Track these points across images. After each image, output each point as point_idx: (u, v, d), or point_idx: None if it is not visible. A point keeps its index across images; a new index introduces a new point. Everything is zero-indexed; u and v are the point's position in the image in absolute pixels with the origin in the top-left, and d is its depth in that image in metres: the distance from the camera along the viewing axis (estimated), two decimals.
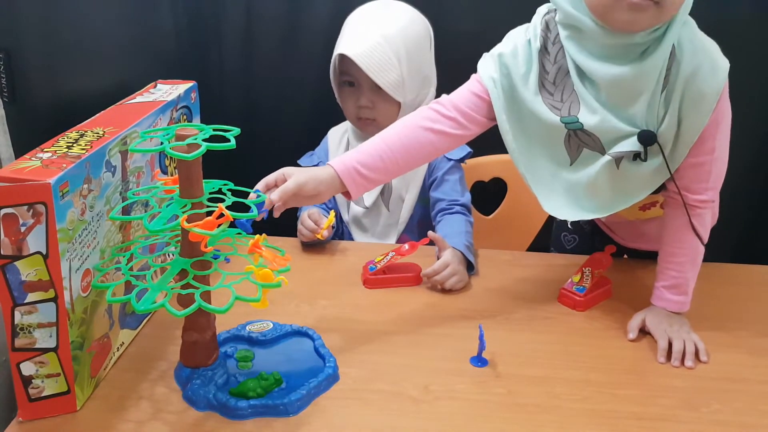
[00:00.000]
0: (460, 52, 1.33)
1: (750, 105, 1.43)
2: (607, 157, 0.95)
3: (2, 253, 0.70)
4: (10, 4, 1.41)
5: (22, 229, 0.70)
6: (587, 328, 1.02)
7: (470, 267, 1.14)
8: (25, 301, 0.73)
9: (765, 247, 1.50)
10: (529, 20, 1.25)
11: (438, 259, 1.11)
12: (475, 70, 1.28)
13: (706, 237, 1.01)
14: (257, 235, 0.81)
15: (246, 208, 0.82)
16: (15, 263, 0.71)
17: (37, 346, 0.75)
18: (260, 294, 0.76)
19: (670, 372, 0.92)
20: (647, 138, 0.92)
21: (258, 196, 0.86)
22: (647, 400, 0.86)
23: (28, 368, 0.76)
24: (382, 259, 1.12)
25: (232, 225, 0.81)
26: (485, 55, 1.05)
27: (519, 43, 1.00)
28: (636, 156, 0.94)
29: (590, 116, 0.94)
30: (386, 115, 1.25)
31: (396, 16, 1.24)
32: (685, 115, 0.92)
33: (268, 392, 0.82)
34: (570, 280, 1.07)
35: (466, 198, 1.30)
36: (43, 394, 0.78)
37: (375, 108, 1.25)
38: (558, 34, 0.96)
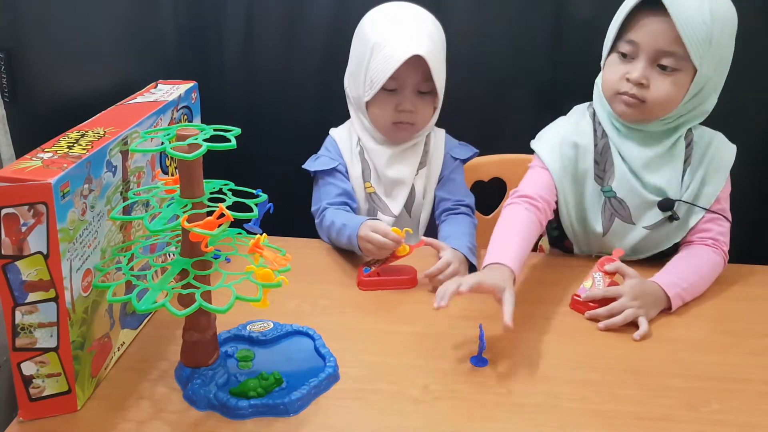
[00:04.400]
0: (460, 52, 1.34)
1: (750, 105, 1.43)
2: (643, 231, 1.14)
3: (3, 252, 0.70)
4: (11, 5, 1.41)
5: (23, 228, 0.70)
6: (587, 327, 1.02)
7: (472, 268, 1.14)
8: (26, 301, 0.73)
9: (765, 247, 1.50)
10: (527, 22, 1.27)
11: (439, 259, 1.11)
12: (474, 70, 1.28)
13: (714, 275, 1.13)
14: (258, 235, 0.81)
15: (246, 208, 0.82)
16: (16, 263, 0.71)
17: (37, 345, 0.76)
18: (261, 294, 0.76)
19: (670, 372, 0.92)
20: (667, 206, 1.12)
21: (259, 195, 0.86)
22: (647, 399, 0.86)
23: (28, 368, 0.76)
24: (377, 261, 1.12)
25: (233, 225, 0.81)
26: (545, 142, 1.19)
27: (569, 128, 1.18)
28: (671, 218, 1.13)
29: (621, 185, 1.13)
30: (424, 120, 1.24)
31: (424, 15, 1.23)
32: (707, 181, 1.13)
33: (268, 392, 0.83)
34: (582, 286, 1.06)
35: (471, 199, 1.30)
36: (43, 394, 0.78)
37: (416, 111, 1.22)
38: (600, 119, 1.16)
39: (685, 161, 1.12)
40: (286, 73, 1.47)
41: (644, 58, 1.05)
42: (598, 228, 1.16)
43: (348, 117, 1.32)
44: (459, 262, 1.10)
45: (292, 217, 1.26)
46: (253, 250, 0.80)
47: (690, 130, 1.13)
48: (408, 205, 1.28)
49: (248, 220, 0.83)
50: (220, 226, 0.75)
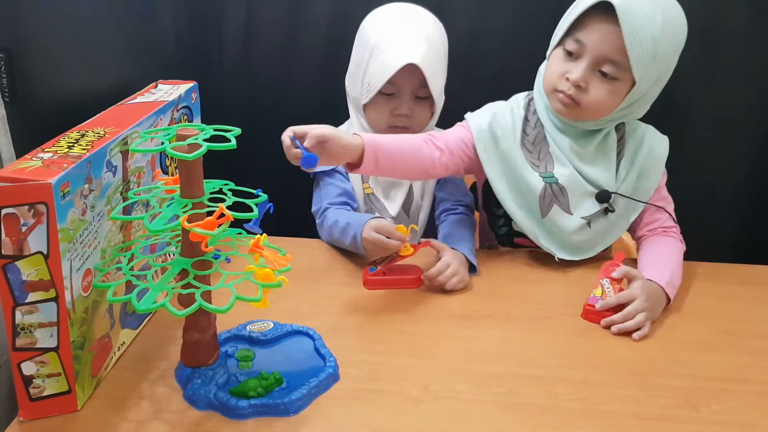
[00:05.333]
0: (460, 52, 1.34)
1: (750, 106, 1.43)
2: (580, 221, 1.14)
3: (3, 252, 0.70)
4: (11, 4, 1.41)
5: (23, 228, 0.70)
6: (587, 327, 1.02)
7: (472, 268, 1.14)
8: (26, 301, 0.73)
9: (765, 247, 1.50)
10: (529, 21, 1.26)
11: (439, 259, 1.11)
12: (473, 70, 1.28)
13: (682, 258, 1.15)
14: (258, 235, 0.81)
15: (246, 208, 0.82)
16: (16, 263, 0.71)
17: (37, 345, 0.76)
18: (261, 294, 0.76)
19: (670, 372, 0.92)
20: (603, 197, 1.14)
21: (259, 195, 0.86)
22: (647, 400, 0.86)
23: (28, 368, 0.76)
24: (383, 260, 1.12)
25: (234, 225, 0.81)
26: (475, 112, 1.20)
27: (505, 109, 1.18)
28: (606, 210, 1.15)
29: (563, 171, 1.13)
30: (421, 124, 1.24)
31: (425, 18, 1.22)
32: (644, 175, 1.16)
33: (268, 392, 0.83)
34: (592, 295, 1.05)
35: (469, 199, 1.30)
36: (43, 394, 0.78)
37: (412, 116, 1.22)
38: (536, 108, 1.17)
39: (618, 154, 1.15)
40: (286, 73, 1.47)
41: (587, 60, 1.05)
42: (536, 212, 1.16)
43: (347, 117, 1.32)
44: (459, 263, 1.10)
45: (292, 217, 1.26)
46: (253, 250, 0.80)
47: (621, 122, 1.15)
48: (406, 206, 1.28)
49: (248, 220, 0.83)
50: (220, 226, 0.75)
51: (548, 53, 1.14)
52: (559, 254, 1.17)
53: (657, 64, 1.03)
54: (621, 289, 1.05)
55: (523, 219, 1.16)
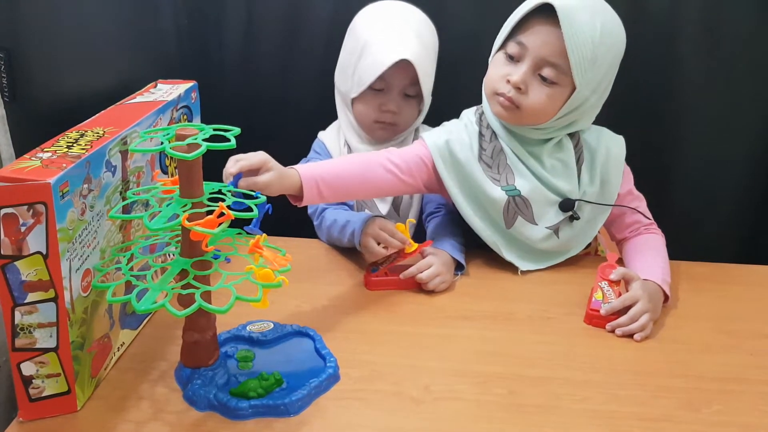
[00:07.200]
0: (460, 53, 1.34)
1: (753, 106, 1.43)
2: (546, 231, 1.14)
3: (2, 253, 0.70)
4: (11, 4, 1.41)
5: (22, 228, 0.70)
6: (588, 328, 1.02)
7: (460, 266, 1.14)
8: (26, 301, 0.73)
9: (765, 247, 1.49)
10: None
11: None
12: (474, 71, 1.28)
13: (666, 253, 1.16)
14: (258, 235, 0.81)
15: (246, 208, 0.82)
16: (15, 263, 0.71)
17: (37, 346, 0.75)
18: (261, 294, 0.76)
19: (672, 372, 0.92)
20: (567, 206, 1.13)
21: (258, 196, 0.86)
22: (648, 400, 0.86)
23: (28, 368, 0.76)
24: (384, 261, 1.11)
25: (233, 226, 0.80)
26: (431, 131, 1.19)
27: (459, 127, 1.17)
28: (571, 218, 1.14)
29: (525, 183, 1.12)
30: (407, 121, 1.24)
31: (416, 15, 1.22)
32: (607, 180, 1.15)
33: (268, 392, 0.82)
34: (593, 299, 1.04)
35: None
36: (43, 394, 0.78)
37: (400, 113, 1.22)
38: (488, 121, 1.15)
39: (577, 161, 1.14)
40: (287, 73, 1.46)
41: (528, 63, 1.05)
42: (500, 224, 1.15)
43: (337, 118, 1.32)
44: (442, 262, 1.10)
45: (291, 217, 1.26)
46: (252, 250, 0.80)
47: (582, 134, 1.15)
48: (396, 205, 1.28)
49: (248, 221, 0.83)
50: (220, 225, 0.75)
51: (490, 59, 1.13)
52: (525, 265, 1.16)
53: (596, 70, 1.03)
54: (620, 291, 1.05)
55: (486, 232, 1.16)
